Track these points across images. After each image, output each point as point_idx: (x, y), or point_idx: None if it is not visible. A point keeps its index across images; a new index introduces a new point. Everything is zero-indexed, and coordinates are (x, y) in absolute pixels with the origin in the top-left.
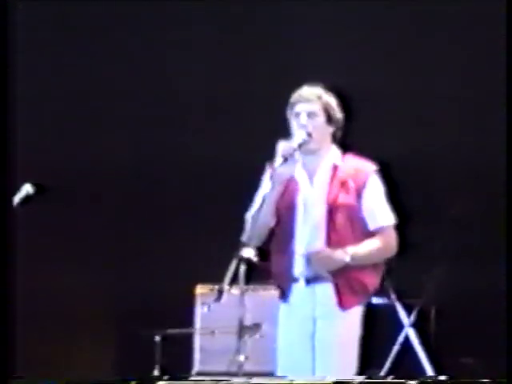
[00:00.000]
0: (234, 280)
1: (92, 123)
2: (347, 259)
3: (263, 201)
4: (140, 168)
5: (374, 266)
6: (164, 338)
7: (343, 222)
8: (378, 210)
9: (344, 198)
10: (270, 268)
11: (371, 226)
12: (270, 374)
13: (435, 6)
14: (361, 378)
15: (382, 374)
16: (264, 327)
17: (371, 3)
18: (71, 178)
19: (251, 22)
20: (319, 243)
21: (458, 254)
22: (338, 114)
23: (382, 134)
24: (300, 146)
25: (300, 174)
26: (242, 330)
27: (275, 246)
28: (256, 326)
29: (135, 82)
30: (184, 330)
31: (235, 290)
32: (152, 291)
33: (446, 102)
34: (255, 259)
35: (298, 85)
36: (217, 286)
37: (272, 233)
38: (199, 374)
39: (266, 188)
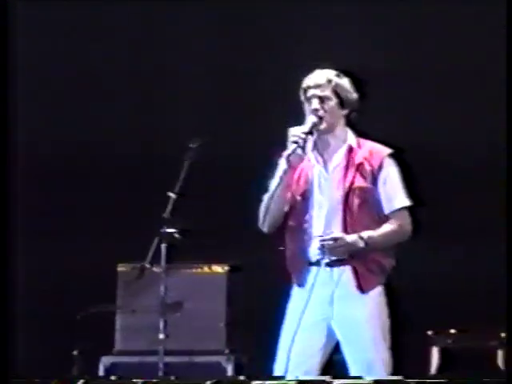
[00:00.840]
0: (156, 258)
1: (92, 122)
2: (361, 245)
3: (276, 186)
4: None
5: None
6: (86, 317)
7: (359, 205)
8: (394, 193)
9: (360, 181)
10: (282, 252)
11: (387, 209)
12: (191, 353)
13: None
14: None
15: None
16: (185, 305)
17: None
18: None
19: (263, 4)
20: (335, 227)
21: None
22: (352, 96)
23: (395, 118)
24: (311, 130)
25: (315, 158)
26: (164, 308)
27: (290, 230)
28: (177, 305)
29: (135, 80)
30: (105, 309)
31: (157, 269)
32: (75, 270)
33: (460, 88)
34: (177, 236)
35: (311, 69)
36: (138, 265)
37: (286, 218)
38: (120, 352)
39: (279, 174)
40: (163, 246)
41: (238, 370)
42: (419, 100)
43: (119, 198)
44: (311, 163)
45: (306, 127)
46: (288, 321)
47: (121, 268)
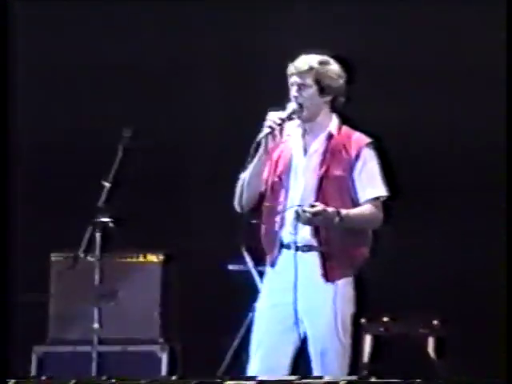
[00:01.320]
0: (90, 247)
1: (92, 122)
2: (337, 219)
3: (252, 168)
4: None
5: (362, 237)
6: (19, 305)
7: (332, 192)
8: (369, 183)
9: (335, 169)
10: (258, 234)
11: (361, 198)
12: (125, 342)
13: None
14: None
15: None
16: (120, 295)
17: None
18: None
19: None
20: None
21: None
22: (337, 82)
23: (382, 106)
24: (289, 116)
25: (296, 143)
26: (98, 297)
27: (266, 211)
28: (112, 294)
29: (135, 79)
30: (38, 297)
31: (91, 258)
32: (8, 259)
33: (448, 81)
34: (112, 225)
35: (300, 54)
36: (71, 254)
37: (262, 199)
38: (53, 341)
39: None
40: (97, 235)
41: (172, 359)
42: (410, 92)
43: (52, 187)
44: (292, 147)
45: (284, 113)
46: (260, 302)
47: (54, 257)
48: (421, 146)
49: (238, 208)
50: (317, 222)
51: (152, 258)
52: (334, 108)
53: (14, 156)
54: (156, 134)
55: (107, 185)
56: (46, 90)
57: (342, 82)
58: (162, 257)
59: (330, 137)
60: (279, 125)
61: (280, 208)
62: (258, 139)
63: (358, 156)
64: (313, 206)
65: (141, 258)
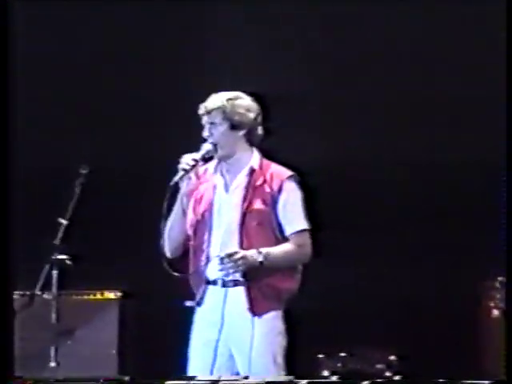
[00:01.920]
0: (47, 285)
1: (92, 122)
2: (260, 258)
3: (173, 212)
4: None
5: (290, 271)
6: None
7: (256, 227)
8: (294, 216)
9: (258, 204)
10: (185, 274)
11: (287, 231)
12: (81, 380)
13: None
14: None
15: None
16: (77, 333)
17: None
18: None
19: (174, 24)
20: (232, 248)
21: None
22: (247, 117)
23: (304, 139)
24: (204, 157)
25: (218, 181)
26: (54, 336)
27: (191, 251)
28: (68, 332)
29: (135, 80)
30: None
31: (48, 296)
32: None
33: (370, 108)
34: (69, 263)
35: (218, 89)
36: (28, 292)
37: (188, 239)
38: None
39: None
40: (54, 272)
41: None
42: (331, 120)
43: (8, 223)
44: (213, 185)
45: (197, 154)
46: (195, 345)
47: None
48: (344, 177)
49: (168, 254)
50: (240, 268)
51: (109, 295)
52: (250, 142)
53: None
54: (114, 170)
55: (64, 222)
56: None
57: (252, 115)
58: (119, 294)
59: (252, 171)
60: (193, 166)
61: (204, 246)
62: (171, 183)
63: (280, 189)
64: (230, 255)
65: (98, 296)
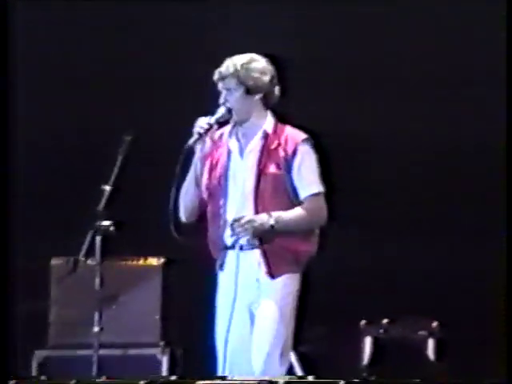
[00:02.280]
0: (91, 251)
1: (92, 122)
2: (271, 222)
3: (189, 176)
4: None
5: (307, 233)
6: (20, 312)
7: (271, 190)
8: (308, 179)
9: (272, 168)
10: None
11: (302, 195)
12: (125, 346)
13: None
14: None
15: None
16: (120, 298)
17: None
18: None
19: None
20: (247, 212)
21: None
22: (262, 81)
23: (318, 104)
24: (218, 121)
25: (233, 145)
26: (98, 301)
27: (209, 216)
28: (112, 298)
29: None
30: (39, 302)
31: (91, 262)
32: (8, 264)
33: (385, 81)
34: (112, 229)
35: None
36: (72, 258)
37: (206, 204)
38: (55, 346)
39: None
40: (98, 238)
41: (172, 362)
42: (346, 89)
43: (52, 191)
44: (228, 150)
45: (212, 118)
46: (218, 310)
47: (54, 261)
48: (358, 143)
49: (183, 218)
50: (249, 231)
51: (152, 261)
52: (266, 106)
53: (14, 160)
54: (158, 138)
55: (108, 188)
56: (46, 92)
57: (267, 79)
58: (162, 260)
59: (266, 136)
60: (207, 130)
61: (221, 211)
62: (186, 146)
63: (294, 153)
64: (237, 220)
65: (141, 262)
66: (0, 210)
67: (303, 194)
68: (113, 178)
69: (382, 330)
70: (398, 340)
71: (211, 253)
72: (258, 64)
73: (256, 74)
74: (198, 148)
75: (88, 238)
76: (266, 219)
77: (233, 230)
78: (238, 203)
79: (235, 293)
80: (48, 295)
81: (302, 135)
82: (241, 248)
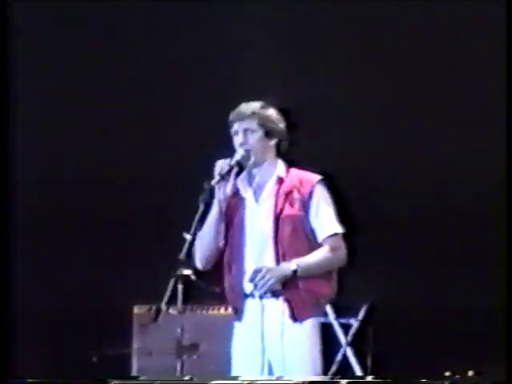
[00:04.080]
0: (172, 300)
1: (92, 123)
2: (293, 267)
3: (208, 221)
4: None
5: (326, 276)
6: (101, 359)
7: (290, 233)
8: (326, 220)
9: (290, 210)
10: (220, 289)
11: (320, 236)
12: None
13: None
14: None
15: None
16: (202, 347)
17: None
18: None
19: (195, 39)
20: (267, 258)
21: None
22: (279, 126)
23: (327, 146)
24: (238, 163)
25: (246, 191)
26: (180, 350)
27: (226, 265)
28: (194, 347)
29: (136, 82)
30: (121, 351)
31: (173, 310)
32: (89, 310)
33: (391, 113)
34: (193, 277)
35: (239, 102)
36: (154, 306)
37: (222, 253)
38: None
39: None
40: (179, 287)
41: None
42: (350, 128)
43: (133, 240)
44: (242, 196)
45: (232, 160)
46: (237, 361)
47: (137, 310)
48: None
49: (199, 266)
50: (273, 281)
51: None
52: (278, 152)
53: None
54: None
55: (188, 237)
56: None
57: (282, 125)
58: None
59: (280, 180)
60: (229, 171)
61: (239, 260)
62: (207, 186)
63: (311, 194)
64: (257, 272)
65: (222, 311)
66: (84, 255)
67: (322, 235)
68: (194, 226)
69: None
70: None
71: (229, 300)
72: (274, 111)
73: (274, 119)
74: (219, 190)
75: (170, 287)
76: (286, 267)
77: (254, 281)
78: (257, 249)
79: (263, 344)
80: (130, 343)
81: (317, 176)
82: (261, 297)
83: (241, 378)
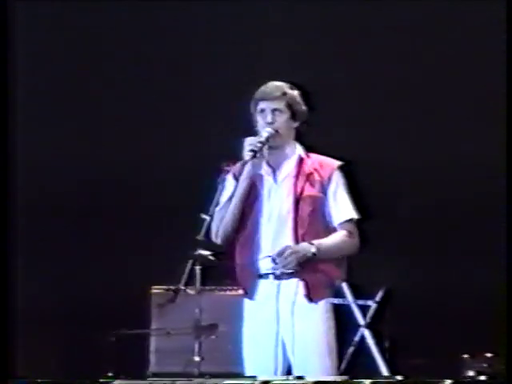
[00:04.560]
0: (190, 280)
1: (92, 124)
2: (313, 250)
3: (230, 197)
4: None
5: (338, 260)
6: (118, 340)
7: (309, 213)
8: (343, 205)
9: (310, 190)
10: (232, 265)
11: (336, 221)
12: (226, 375)
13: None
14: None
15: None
16: (220, 328)
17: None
18: None
19: (213, 19)
20: (285, 237)
21: (415, 253)
22: (303, 108)
23: (344, 132)
24: (268, 140)
25: (265, 170)
26: (198, 330)
27: (240, 242)
28: (212, 327)
29: (136, 82)
30: (139, 331)
31: (191, 291)
32: (106, 292)
33: (410, 102)
34: (212, 258)
35: (257, 82)
36: (172, 287)
37: (237, 230)
38: (155, 374)
39: (231, 185)
40: (197, 268)
41: None
42: (366, 114)
43: (152, 220)
44: (261, 174)
45: (262, 137)
46: (250, 341)
47: (155, 290)
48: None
49: (218, 241)
50: (294, 264)
51: None
52: (298, 134)
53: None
54: None
55: (207, 217)
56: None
57: (305, 108)
58: None
59: (301, 160)
60: (260, 148)
61: (255, 238)
62: (242, 163)
63: (330, 178)
64: (281, 253)
65: (240, 291)
66: (103, 236)
67: (338, 219)
68: (212, 206)
69: (485, 364)
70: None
71: (238, 280)
72: (298, 93)
73: (299, 101)
74: (248, 167)
75: (188, 267)
76: (308, 248)
77: (275, 263)
78: (274, 228)
79: (278, 324)
80: (148, 324)
81: (337, 162)
82: (278, 277)
83: (257, 379)
